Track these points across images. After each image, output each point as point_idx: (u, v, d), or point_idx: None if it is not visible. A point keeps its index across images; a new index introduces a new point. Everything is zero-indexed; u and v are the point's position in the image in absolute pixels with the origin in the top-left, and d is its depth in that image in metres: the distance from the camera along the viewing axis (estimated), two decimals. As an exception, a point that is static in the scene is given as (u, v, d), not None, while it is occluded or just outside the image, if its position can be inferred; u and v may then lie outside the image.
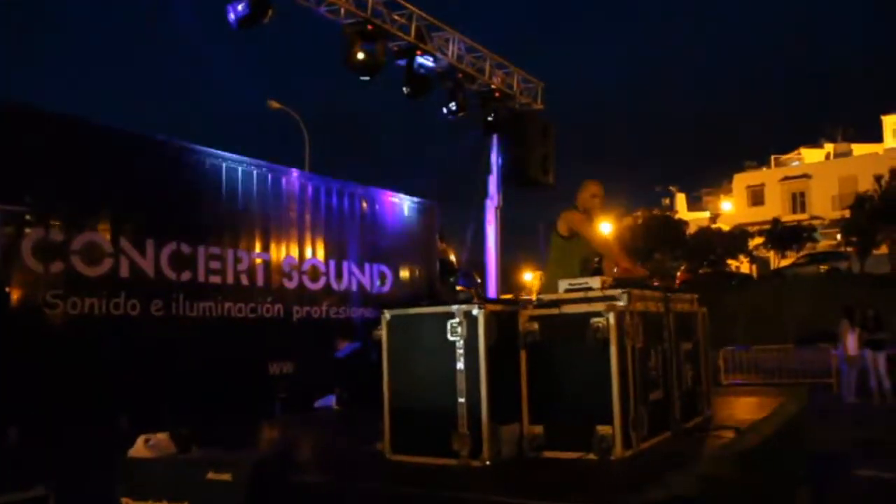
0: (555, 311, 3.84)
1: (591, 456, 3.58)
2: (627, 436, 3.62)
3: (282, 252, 8.47)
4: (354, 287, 9.41)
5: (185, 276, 7.30)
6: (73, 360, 6.18)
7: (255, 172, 8.20)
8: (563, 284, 4.06)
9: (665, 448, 3.93)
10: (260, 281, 8.13)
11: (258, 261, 8.14)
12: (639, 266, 5.03)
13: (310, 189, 8.97)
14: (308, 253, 8.82)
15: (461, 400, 3.60)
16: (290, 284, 8.52)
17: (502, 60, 10.92)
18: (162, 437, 3.00)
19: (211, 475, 2.75)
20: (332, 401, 7.49)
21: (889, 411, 12.37)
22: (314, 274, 8.85)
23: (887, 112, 48.16)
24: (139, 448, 2.93)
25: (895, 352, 13.54)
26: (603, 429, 3.58)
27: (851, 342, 13.49)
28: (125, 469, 2.96)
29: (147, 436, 2.98)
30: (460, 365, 3.62)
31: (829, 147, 50.21)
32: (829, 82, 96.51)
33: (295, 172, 8.96)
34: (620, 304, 3.72)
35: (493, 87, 10.79)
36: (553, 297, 3.99)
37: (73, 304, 6.36)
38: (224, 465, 2.80)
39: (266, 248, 8.27)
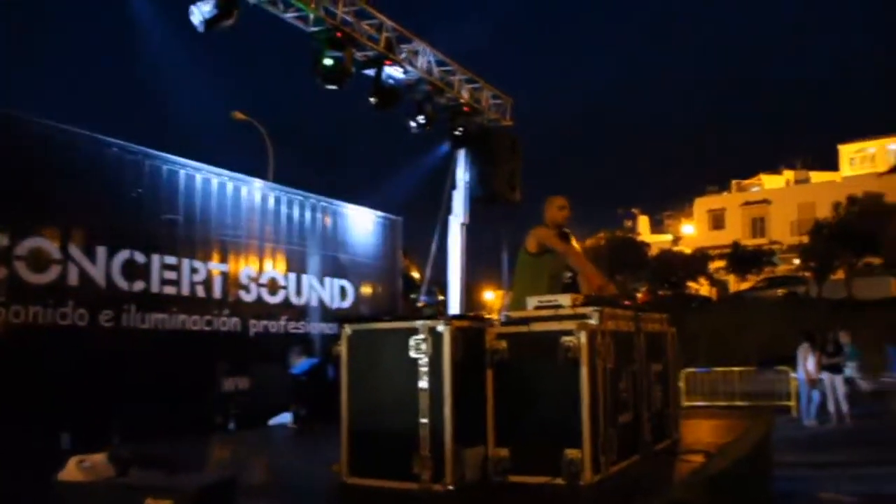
0: (524, 328, 3.69)
1: (559, 480, 3.43)
2: (597, 459, 3.48)
3: (240, 264, 8.23)
4: (314, 302, 9.19)
5: (138, 285, 7.04)
6: (15, 372, 5.86)
7: (214, 181, 7.96)
8: (533, 301, 3.92)
9: (634, 472, 3.81)
10: (216, 293, 7.88)
11: (215, 272, 7.89)
12: (610, 284, 4.93)
13: (271, 200, 8.75)
14: (267, 265, 8.58)
15: (423, 420, 3.43)
16: (248, 297, 8.28)
17: (472, 75, 10.82)
18: (98, 458, 2.76)
19: (150, 502, 2.52)
20: (287, 418, 7.23)
21: (847, 434, 12.47)
22: (273, 287, 8.62)
23: (844, 141, 49.36)
24: (71, 471, 2.68)
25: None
26: (572, 452, 3.43)
27: (811, 365, 13.60)
28: (56, 493, 2.72)
29: (81, 457, 2.73)
30: (423, 384, 3.45)
31: (788, 174, 51.18)
32: (789, 112, 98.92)
33: (256, 182, 8.73)
34: (592, 322, 3.59)
35: (461, 101, 10.68)
36: (522, 314, 3.85)
37: (16, 312, 6.06)
38: (165, 490, 2.57)
39: (224, 260, 8.02)
